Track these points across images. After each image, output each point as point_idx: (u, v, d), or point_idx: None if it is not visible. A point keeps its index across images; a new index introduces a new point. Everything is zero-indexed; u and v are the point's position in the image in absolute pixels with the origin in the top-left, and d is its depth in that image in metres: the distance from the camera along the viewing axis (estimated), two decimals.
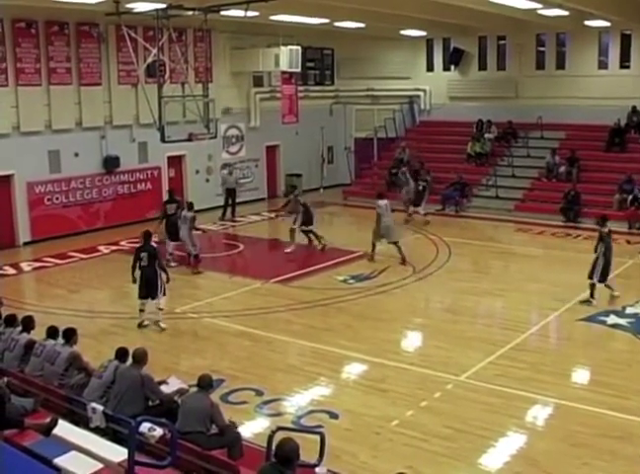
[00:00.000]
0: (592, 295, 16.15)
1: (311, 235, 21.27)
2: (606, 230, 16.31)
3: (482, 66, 31.40)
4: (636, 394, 11.54)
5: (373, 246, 19.95)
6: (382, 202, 19.95)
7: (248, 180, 28.89)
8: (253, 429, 10.42)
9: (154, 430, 8.32)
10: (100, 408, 8.84)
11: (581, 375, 12.93)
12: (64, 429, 8.33)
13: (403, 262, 19.54)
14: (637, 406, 11.06)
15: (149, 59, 21.43)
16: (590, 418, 10.79)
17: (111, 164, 24.68)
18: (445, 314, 16.13)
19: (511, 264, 20.51)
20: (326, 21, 25.84)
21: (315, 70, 33.13)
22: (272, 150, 31.03)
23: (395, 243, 19.74)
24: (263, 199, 30.02)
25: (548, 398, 11.49)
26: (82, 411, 9.02)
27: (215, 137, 22.11)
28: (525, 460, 9.65)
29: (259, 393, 11.64)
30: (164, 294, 14.99)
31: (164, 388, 9.76)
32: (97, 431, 8.64)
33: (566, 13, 23.95)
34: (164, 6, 18.85)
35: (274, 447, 7.00)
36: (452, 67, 31.77)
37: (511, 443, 10.16)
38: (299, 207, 21.19)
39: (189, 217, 19.19)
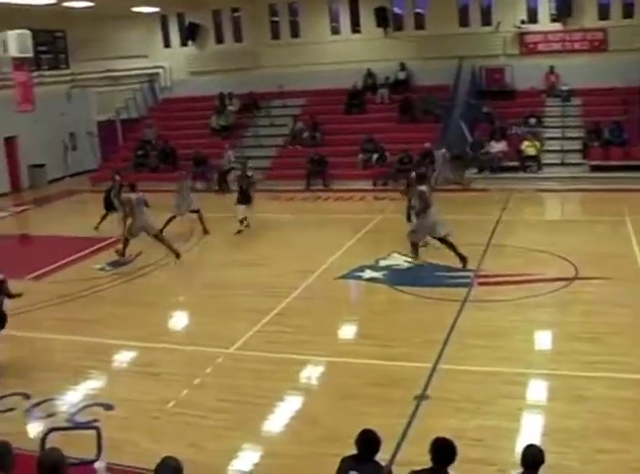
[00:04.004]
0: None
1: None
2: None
3: (219, 39, 31.55)
4: (398, 341, 12.20)
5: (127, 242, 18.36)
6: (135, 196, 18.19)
7: None
8: (26, 434, 9.96)
9: None
10: None
11: (345, 331, 13.47)
12: None
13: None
14: (400, 351, 11.70)
15: None
16: (358, 369, 11.26)
17: None
18: (207, 289, 16.14)
19: (266, 232, 20.82)
20: (52, 1, 24.78)
21: (48, 54, 31.77)
22: (10, 142, 29.51)
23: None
24: (6, 195, 28.59)
25: (318, 357, 11.85)
26: None
27: None
28: (304, 420, 9.92)
29: (26, 396, 11.13)
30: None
31: None
32: None
33: None
34: None
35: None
36: (190, 42, 31.66)
37: (288, 406, 10.39)
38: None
39: None
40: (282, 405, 10.43)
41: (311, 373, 11.49)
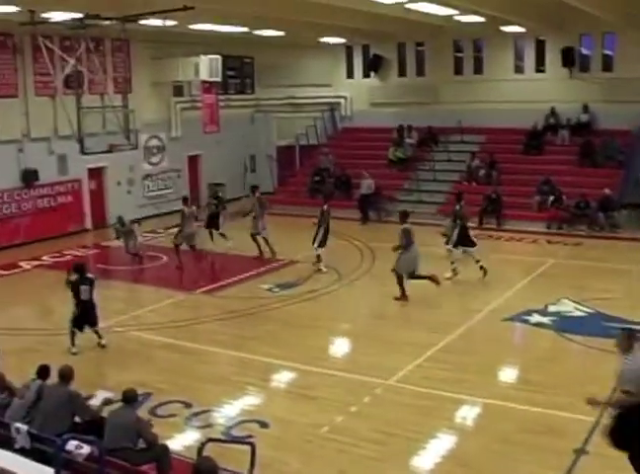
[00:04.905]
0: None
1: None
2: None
3: (402, 72, 31.79)
4: (560, 389, 11.80)
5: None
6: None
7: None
8: (183, 441, 10.31)
9: (81, 447, 8.16)
10: (24, 428, 8.62)
11: (507, 374, 13.18)
12: None
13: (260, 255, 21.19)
14: (562, 401, 11.30)
15: (67, 70, 21.02)
16: (516, 415, 11.00)
17: (29, 177, 24.21)
18: (371, 319, 16.26)
19: (434, 267, 20.70)
20: (245, 30, 25.85)
21: (236, 79, 33.08)
22: (193, 160, 30.87)
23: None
24: None
25: (476, 398, 11.65)
26: (5, 432, 8.79)
27: (136, 148, 21.81)
28: (456, 460, 9.77)
29: (188, 405, 11.52)
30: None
31: (92, 402, 9.59)
32: (22, 452, 8.44)
33: (482, 19, 24.42)
34: (81, 15, 18.56)
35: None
36: (372, 74, 32.07)
37: (440, 444, 10.27)
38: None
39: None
40: (435, 442, 10.32)
41: (467, 414, 11.29)
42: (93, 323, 14.32)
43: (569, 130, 28.09)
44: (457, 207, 19.49)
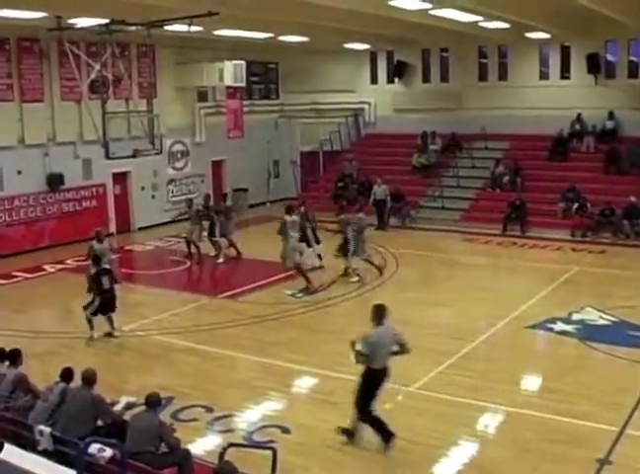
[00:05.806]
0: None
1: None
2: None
3: (426, 78, 31.73)
4: (584, 399, 11.72)
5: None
6: None
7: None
8: (204, 446, 10.33)
9: (104, 450, 8.20)
10: (48, 430, 8.69)
11: (529, 382, 13.11)
12: (11, 452, 8.19)
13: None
14: (585, 410, 11.23)
15: (92, 75, 21.17)
16: (539, 423, 10.93)
17: (55, 181, 24.41)
18: (393, 325, 16.15)
19: (458, 274, 20.66)
20: (270, 35, 25.94)
21: (260, 84, 33.20)
22: (217, 165, 30.98)
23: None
24: None
25: (498, 406, 11.59)
26: (29, 434, 8.86)
27: (160, 153, 21.88)
28: (478, 469, 9.72)
29: (209, 410, 11.54)
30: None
31: (116, 408, 9.62)
32: (45, 453, 8.50)
33: (507, 25, 24.34)
34: (106, 21, 18.71)
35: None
36: (396, 80, 32.03)
37: (462, 452, 10.23)
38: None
39: None
40: (456, 450, 10.28)
41: (489, 422, 11.23)
42: (113, 309, 15.36)
43: (594, 137, 27.92)
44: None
